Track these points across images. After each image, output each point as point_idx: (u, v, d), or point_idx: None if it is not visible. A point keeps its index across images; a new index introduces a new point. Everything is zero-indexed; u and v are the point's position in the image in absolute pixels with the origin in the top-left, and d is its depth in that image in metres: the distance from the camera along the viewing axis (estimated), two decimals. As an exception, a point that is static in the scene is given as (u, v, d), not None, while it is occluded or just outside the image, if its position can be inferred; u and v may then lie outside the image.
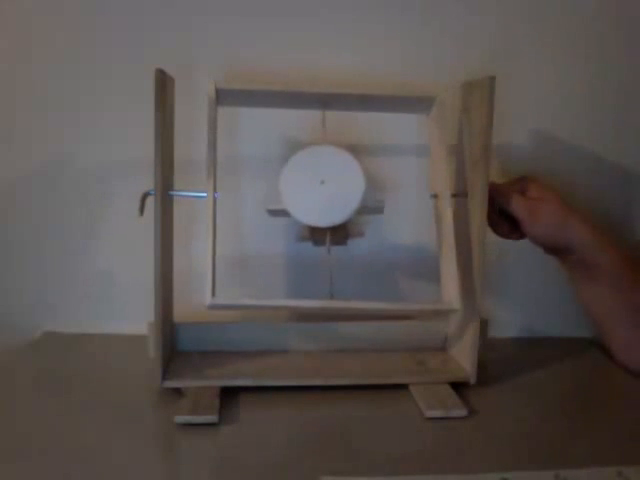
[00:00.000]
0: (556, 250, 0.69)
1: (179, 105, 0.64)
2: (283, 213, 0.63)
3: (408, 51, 0.73)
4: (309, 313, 0.73)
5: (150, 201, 0.58)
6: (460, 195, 0.66)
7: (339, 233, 0.66)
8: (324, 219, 0.61)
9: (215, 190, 0.60)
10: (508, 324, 0.80)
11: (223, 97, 0.63)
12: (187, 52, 0.71)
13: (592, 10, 0.74)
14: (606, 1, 0.74)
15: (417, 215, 0.75)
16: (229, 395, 0.60)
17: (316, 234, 0.66)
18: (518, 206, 0.65)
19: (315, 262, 0.68)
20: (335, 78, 0.70)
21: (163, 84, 0.58)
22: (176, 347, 0.68)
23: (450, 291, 0.61)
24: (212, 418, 0.56)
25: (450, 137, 0.68)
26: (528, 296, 0.81)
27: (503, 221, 0.67)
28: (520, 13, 0.73)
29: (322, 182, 0.60)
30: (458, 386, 0.63)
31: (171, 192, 0.63)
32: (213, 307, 0.56)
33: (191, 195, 0.61)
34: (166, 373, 0.62)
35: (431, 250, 0.69)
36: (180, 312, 0.67)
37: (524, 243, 0.69)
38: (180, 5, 0.71)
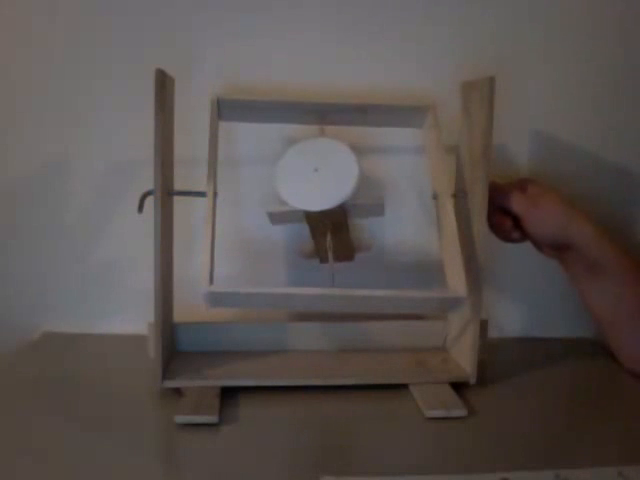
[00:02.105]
0: (556, 247, 0.68)
1: (179, 105, 0.64)
2: (284, 218, 0.63)
3: (408, 52, 0.73)
4: (309, 312, 0.73)
5: (150, 201, 0.58)
6: (460, 195, 0.66)
7: (345, 247, 0.66)
8: (319, 203, 0.60)
9: (215, 189, 0.60)
10: (508, 324, 0.80)
11: (223, 109, 0.65)
12: (187, 52, 0.71)
13: (592, 10, 0.74)
14: (606, 1, 0.74)
15: (417, 215, 0.75)
16: (229, 395, 0.60)
17: (320, 249, 0.66)
18: (518, 202, 0.65)
19: (316, 261, 0.68)
20: (334, 78, 0.71)
21: (163, 84, 0.58)
22: (176, 347, 0.68)
23: (456, 281, 0.61)
24: (212, 418, 0.56)
25: (449, 138, 0.68)
26: (528, 296, 0.81)
27: (504, 217, 0.66)
28: (520, 13, 0.73)
29: (316, 170, 0.61)
30: (458, 386, 0.63)
31: (171, 192, 0.63)
32: (211, 297, 0.56)
33: (191, 194, 0.62)
34: (166, 373, 0.62)
35: (431, 250, 0.69)
36: (180, 312, 0.67)
37: (524, 243, 0.68)
38: (180, 5, 0.71)
